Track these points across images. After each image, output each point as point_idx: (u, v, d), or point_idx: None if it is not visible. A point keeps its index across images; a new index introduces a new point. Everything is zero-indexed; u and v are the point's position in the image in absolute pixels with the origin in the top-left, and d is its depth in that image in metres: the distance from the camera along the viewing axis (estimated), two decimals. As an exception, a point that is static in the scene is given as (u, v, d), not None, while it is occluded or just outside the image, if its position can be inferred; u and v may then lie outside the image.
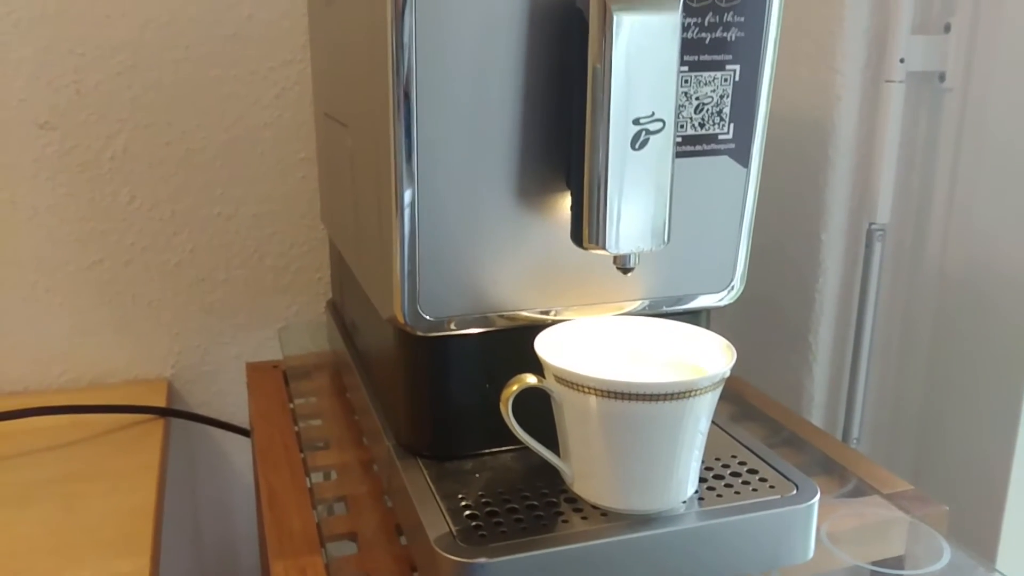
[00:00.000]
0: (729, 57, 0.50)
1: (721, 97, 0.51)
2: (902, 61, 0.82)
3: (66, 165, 0.89)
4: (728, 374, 0.46)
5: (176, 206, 0.93)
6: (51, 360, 0.93)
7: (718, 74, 0.50)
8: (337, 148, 0.66)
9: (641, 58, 0.43)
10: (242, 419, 0.98)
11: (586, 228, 0.46)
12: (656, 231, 0.46)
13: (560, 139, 0.49)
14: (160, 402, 0.91)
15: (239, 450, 1.00)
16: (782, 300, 0.93)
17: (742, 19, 0.50)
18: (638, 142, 0.44)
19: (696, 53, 0.49)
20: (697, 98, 0.50)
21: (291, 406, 0.80)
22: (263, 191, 0.95)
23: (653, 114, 0.44)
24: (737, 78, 0.51)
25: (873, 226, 0.85)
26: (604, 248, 0.46)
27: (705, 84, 0.50)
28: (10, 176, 0.87)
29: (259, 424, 0.76)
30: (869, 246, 0.86)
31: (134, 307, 0.94)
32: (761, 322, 0.96)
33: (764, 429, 0.73)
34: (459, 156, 0.48)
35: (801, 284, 0.90)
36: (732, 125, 0.52)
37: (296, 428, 0.75)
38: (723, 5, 0.49)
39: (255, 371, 0.89)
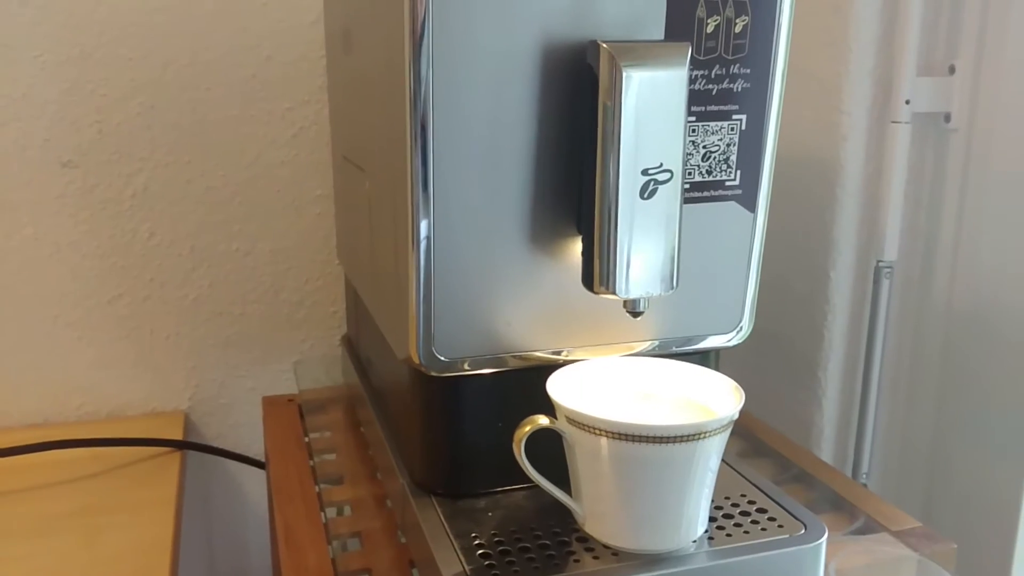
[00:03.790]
0: (736, 107, 0.52)
1: (728, 145, 0.52)
2: (908, 102, 0.84)
3: (88, 203, 0.91)
4: (737, 416, 0.47)
5: (195, 242, 0.95)
6: (70, 393, 0.95)
7: (725, 123, 0.52)
8: (355, 191, 0.67)
9: (650, 112, 0.45)
10: (257, 451, 0.99)
11: (597, 273, 0.48)
12: (665, 277, 0.48)
13: (571, 186, 0.50)
14: (177, 434, 0.92)
15: (253, 482, 1.01)
16: (792, 336, 0.94)
17: (748, 71, 0.51)
18: (647, 192, 0.46)
19: (703, 104, 0.51)
20: (704, 146, 0.52)
21: (306, 440, 0.81)
22: (280, 228, 0.97)
23: (661, 165, 0.46)
24: (744, 127, 0.52)
25: (881, 263, 0.86)
26: (614, 293, 0.47)
27: (712, 133, 0.52)
28: (34, 213, 0.89)
29: (275, 458, 0.78)
30: (877, 283, 0.87)
31: (152, 341, 0.96)
32: (771, 358, 0.97)
33: (773, 466, 0.74)
34: (474, 201, 0.50)
35: (810, 320, 0.91)
36: (739, 172, 0.53)
37: (311, 463, 0.76)
38: (729, 58, 0.51)
39: (271, 405, 0.90)
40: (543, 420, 0.48)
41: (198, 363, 0.98)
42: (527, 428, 0.48)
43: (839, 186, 0.87)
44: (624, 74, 0.44)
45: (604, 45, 0.45)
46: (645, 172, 0.46)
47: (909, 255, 0.89)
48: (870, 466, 0.90)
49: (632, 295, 0.48)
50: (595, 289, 0.48)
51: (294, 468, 0.75)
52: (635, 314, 0.49)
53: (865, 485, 0.89)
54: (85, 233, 0.91)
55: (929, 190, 0.88)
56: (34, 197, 0.89)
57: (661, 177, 0.46)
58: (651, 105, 0.45)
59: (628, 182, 0.45)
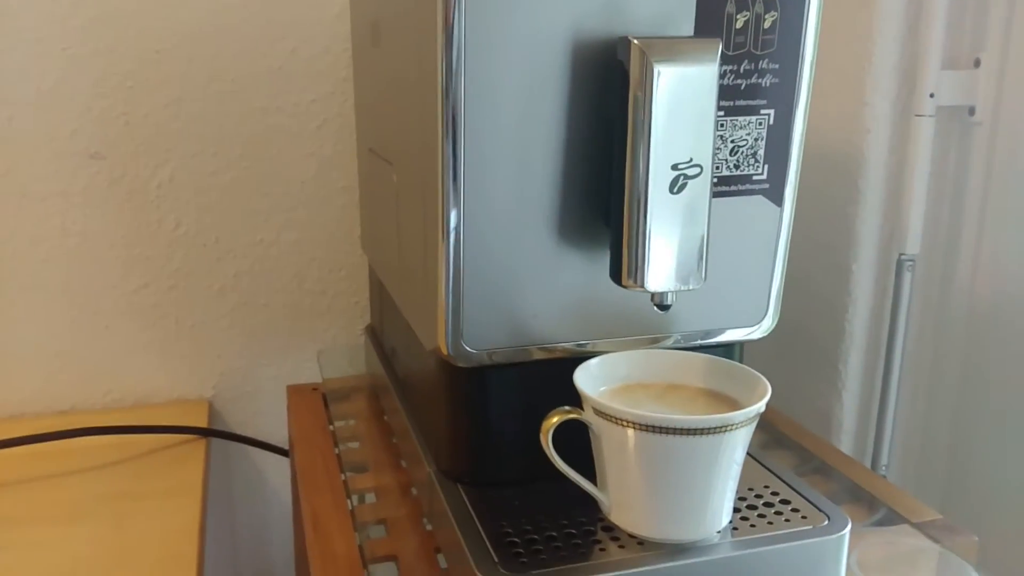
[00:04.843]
0: (764, 102, 0.52)
1: (756, 140, 0.53)
2: (932, 96, 0.83)
3: (115, 193, 0.92)
4: (763, 409, 0.47)
5: (220, 233, 0.96)
6: (97, 381, 0.96)
7: (753, 118, 0.52)
8: (381, 182, 0.68)
9: (680, 107, 0.45)
10: (279, 439, 1.00)
11: (625, 267, 0.48)
12: (693, 271, 0.48)
13: (600, 180, 0.51)
14: (201, 422, 0.94)
15: (276, 469, 1.03)
16: (813, 329, 0.94)
17: (776, 66, 0.52)
18: (676, 186, 0.46)
19: (732, 99, 0.51)
20: (732, 141, 0.52)
21: (331, 428, 0.82)
22: (304, 218, 0.98)
23: (691, 160, 0.46)
24: (771, 121, 0.53)
25: (903, 257, 0.87)
26: (643, 287, 0.48)
27: (740, 128, 0.52)
28: (61, 204, 0.91)
29: (300, 446, 0.79)
30: (899, 276, 0.87)
31: (177, 330, 0.97)
32: (792, 350, 0.97)
33: (795, 457, 0.74)
34: (504, 193, 0.50)
35: (832, 313, 0.91)
36: (766, 166, 0.53)
37: (336, 450, 0.77)
38: (758, 53, 0.51)
39: (295, 393, 0.91)
40: (570, 412, 0.49)
41: (222, 352, 0.99)
42: (555, 419, 0.49)
43: (862, 179, 0.87)
44: (655, 70, 0.45)
45: (635, 41, 0.46)
46: (675, 167, 0.46)
47: (931, 249, 0.89)
48: (889, 459, 0.90)
49: (661, 289, 0.48)
50: (623, 282, 0.49)
51: (320, 456, 0.76)
52: (663, 307, 0.50)
53: (884, 477, 0.89)
54: (112, 223, 0.92)
55: (952, 184, 0.88)
56: (62, 188, 0.90)
57: (691, 172, 0.46)
58: (681, 100, 0.45)
59: (658, 176, 0.46)
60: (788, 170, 0.54)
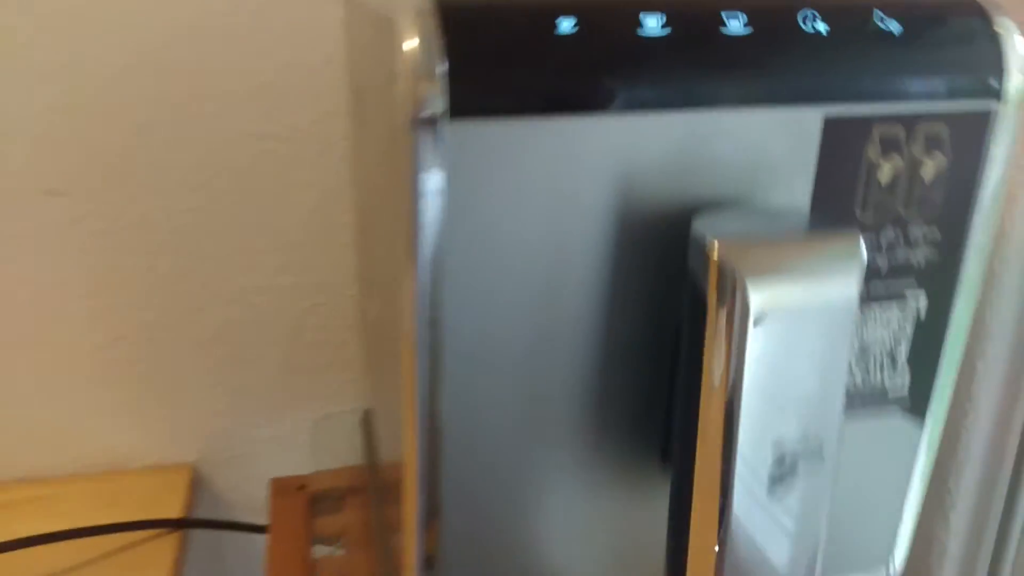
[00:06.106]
0: (911, 281, 0.34)
1: (897, 337, 0.35)
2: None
3: (77, 235, 0.77)
4: None
5: (203, 277, 0.81)
6: (66, 445, 0.84)
7: (895, 308, 0.34)
8: (365, 293, 0.52)
9: (791, 356, 0.28)
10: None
11: None
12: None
13: (654, 443, 0.34)
14: (182, 491, 0.81)
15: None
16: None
17: (937, 234, 0.33)
18: (780, 476, 0.29)
19: (866, 283, 0.33)
20: (862, 341, 0.34)
21: (313, 556, 0.67)
22: (301, 259, 0.83)
23: (805, 435, 0.29)
24: (921, 312, 0.35)
25: (1042, 355, 0.69)
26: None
27: (875, 322, 0.34)
28: (13, 250, 0.76)
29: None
30: (1034, 378, 0.69)
31: (156, 388, 0.84)
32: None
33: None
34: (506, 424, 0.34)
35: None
36: (909, 371, 0.36)
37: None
38: (910, 216, 0.33)
39: (278, 493, 0.77)
40: None
41: (207, 412, 0.86)
42: None
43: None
44: (752, 301, 0.27)
45: (716, 245, 0.28)
46: (778, 445, 0.29)
47: (1081, 346, 0.70)
48: (1007, 600, 0.73)
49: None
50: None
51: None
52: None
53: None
54: (74, 270, 0.78)
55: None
56: (13, 231, 0.76)
57: (804, 453, 0.29)
58: (795, 346, 0.28)
59: (751, 462, 0.29)
60: (939, 375, 0.36)
